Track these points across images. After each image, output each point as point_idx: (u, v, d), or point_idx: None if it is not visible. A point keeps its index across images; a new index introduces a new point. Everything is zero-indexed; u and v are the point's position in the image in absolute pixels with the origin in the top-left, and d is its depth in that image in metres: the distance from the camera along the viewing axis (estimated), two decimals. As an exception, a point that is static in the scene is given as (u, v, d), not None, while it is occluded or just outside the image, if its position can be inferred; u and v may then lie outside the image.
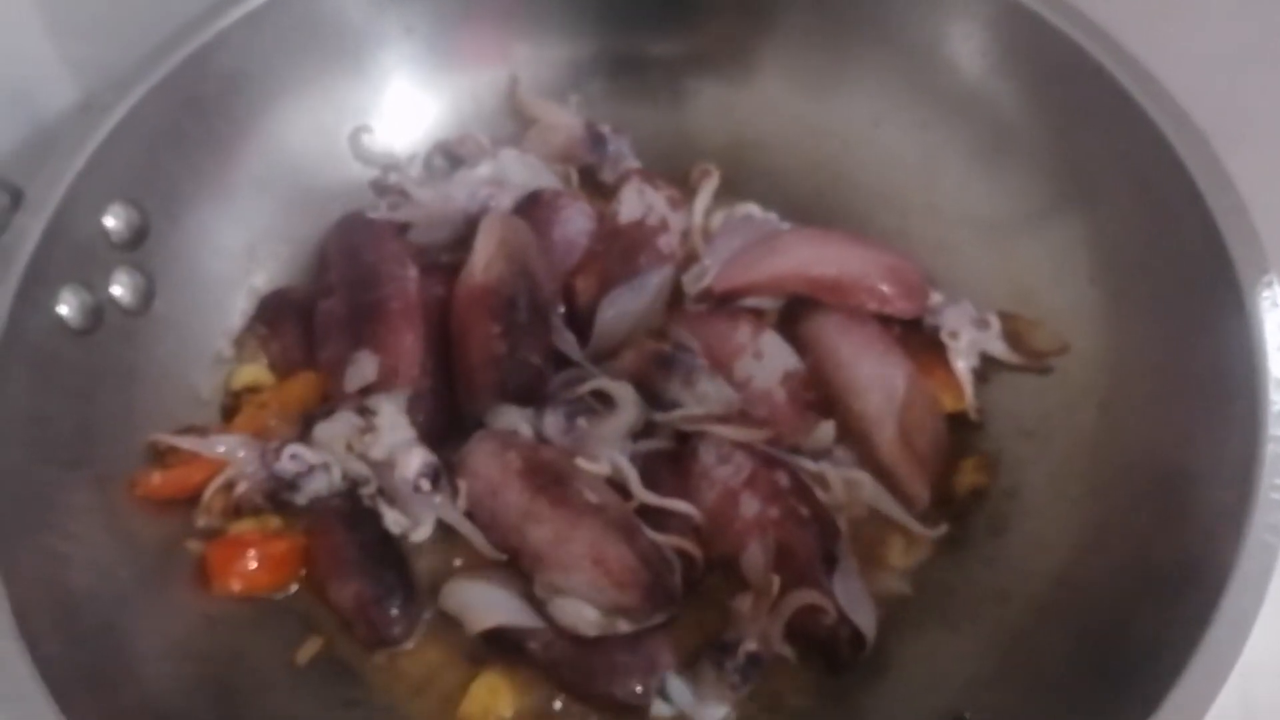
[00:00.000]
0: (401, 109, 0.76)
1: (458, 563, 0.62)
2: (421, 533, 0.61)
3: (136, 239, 0.63)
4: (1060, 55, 0.64)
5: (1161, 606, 0.52)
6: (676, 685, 0.57)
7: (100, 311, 0.60)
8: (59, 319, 0.58)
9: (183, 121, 0.66)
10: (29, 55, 0.73)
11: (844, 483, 0.62)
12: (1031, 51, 0.66)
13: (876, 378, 0.65)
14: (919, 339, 0.67)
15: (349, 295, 0.66)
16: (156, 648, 0.55)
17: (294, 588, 0.61)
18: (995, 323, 0.66)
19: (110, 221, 0.62)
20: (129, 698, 0.52)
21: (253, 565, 0.60)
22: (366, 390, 0.63)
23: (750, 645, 0.57)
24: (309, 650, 0.59)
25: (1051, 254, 0.67)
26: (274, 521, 0.62)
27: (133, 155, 0.62)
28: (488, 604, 0.58)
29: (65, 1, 0.73)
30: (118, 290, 0.62)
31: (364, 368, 0.63)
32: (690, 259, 0.72)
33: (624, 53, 0.77)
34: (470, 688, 0.57)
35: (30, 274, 0.56)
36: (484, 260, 0.65)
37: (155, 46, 0.64)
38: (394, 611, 0.59)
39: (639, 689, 0.57)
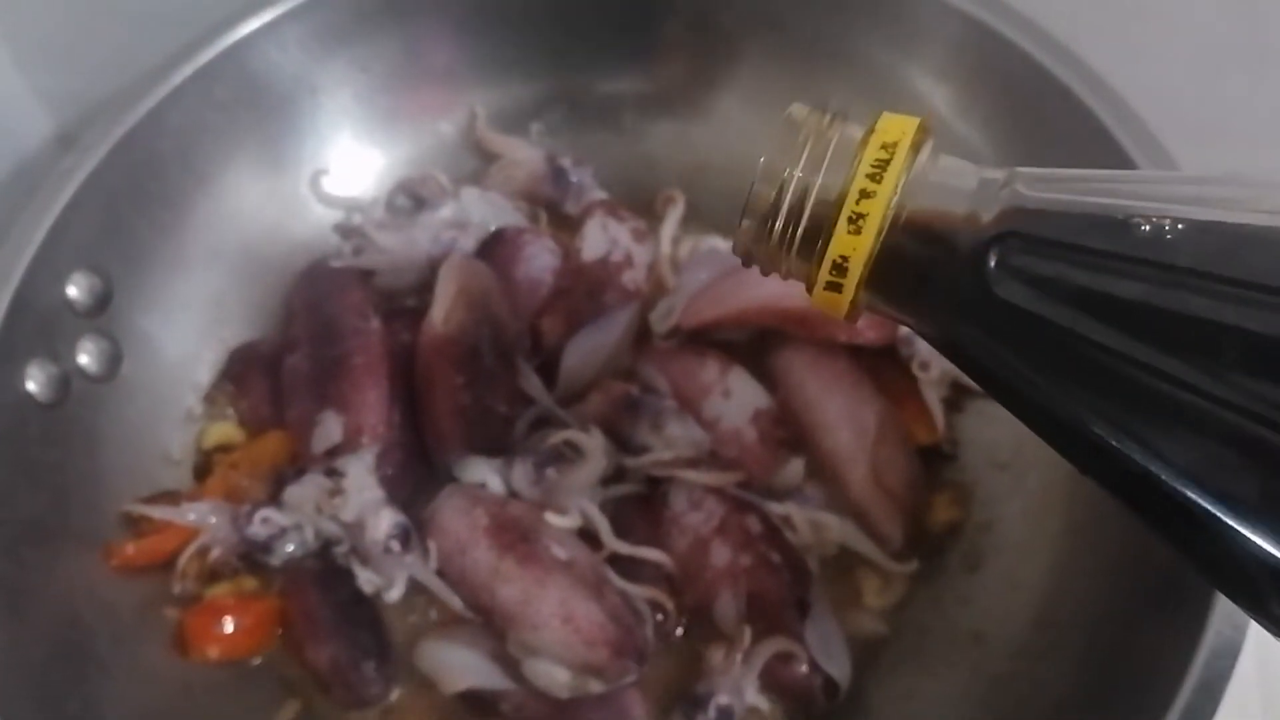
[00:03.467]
0: (360, 149, 0.75)
1: (433, 616, 0.62)
2: (394, 593, 0.61)
3: (100, 305, 0.63)
4: (1025, 77, 0.62)
5: (1145, 638, 0.51)
6: (650, 739, 0.58)
7: (68, 382, 0.60)
8: (27, 396, 0.58)
9: (142, 181, 0.65)
10: (0, 90, 0.73)
11: (811, 524, 0.62)
12: (996, 73, 0.64)
13: (846, 414, 0.64)
14: (890, 369, 0.66)
15: (312, 350, 0.66)
16: (134, 718, 0.56)
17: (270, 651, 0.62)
18: (967, 351, 0.65)
19: (73, 290, 0.61)
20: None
21: (229, 630, 0.60)
22: (334, 451, 0.62)
23: (722, 699, 0.57)
24: (288, 713, 0.60)
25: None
26: (250, 583, 0.62)
27: (93, 220, 0.62)
28: (460, 666, 0.58)
29: (34, 33, 0.72)
30: (84, 359, 0.62)
31: (329, 429, 0.62)
32: (658, 291, 0.71)
33: (580, 89, 0.75)
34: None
35: (-5, 355, 0.56)
36: (444, 310, 0.65)
37: (109, 106, 0.64)
38: (370, 672, 0.60)
39: (612, 750, 0.57)
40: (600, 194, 0.74)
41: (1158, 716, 0.46)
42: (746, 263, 0.34)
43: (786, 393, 0.66)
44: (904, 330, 0.66)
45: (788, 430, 0.65)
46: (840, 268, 0.30)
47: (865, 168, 0.30)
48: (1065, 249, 0.29)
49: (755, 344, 0.68)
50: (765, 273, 0.34)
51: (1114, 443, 0.28)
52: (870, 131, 0.30)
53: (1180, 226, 0.28)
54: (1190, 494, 0.27)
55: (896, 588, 0.62)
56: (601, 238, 0.70)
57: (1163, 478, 0.27)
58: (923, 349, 0.65)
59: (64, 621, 0.57)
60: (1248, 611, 0.31)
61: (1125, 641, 0.53)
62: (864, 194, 0.30)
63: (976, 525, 0.63)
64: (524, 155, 0.74)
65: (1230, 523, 0.27)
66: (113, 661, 0.57)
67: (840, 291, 0.31)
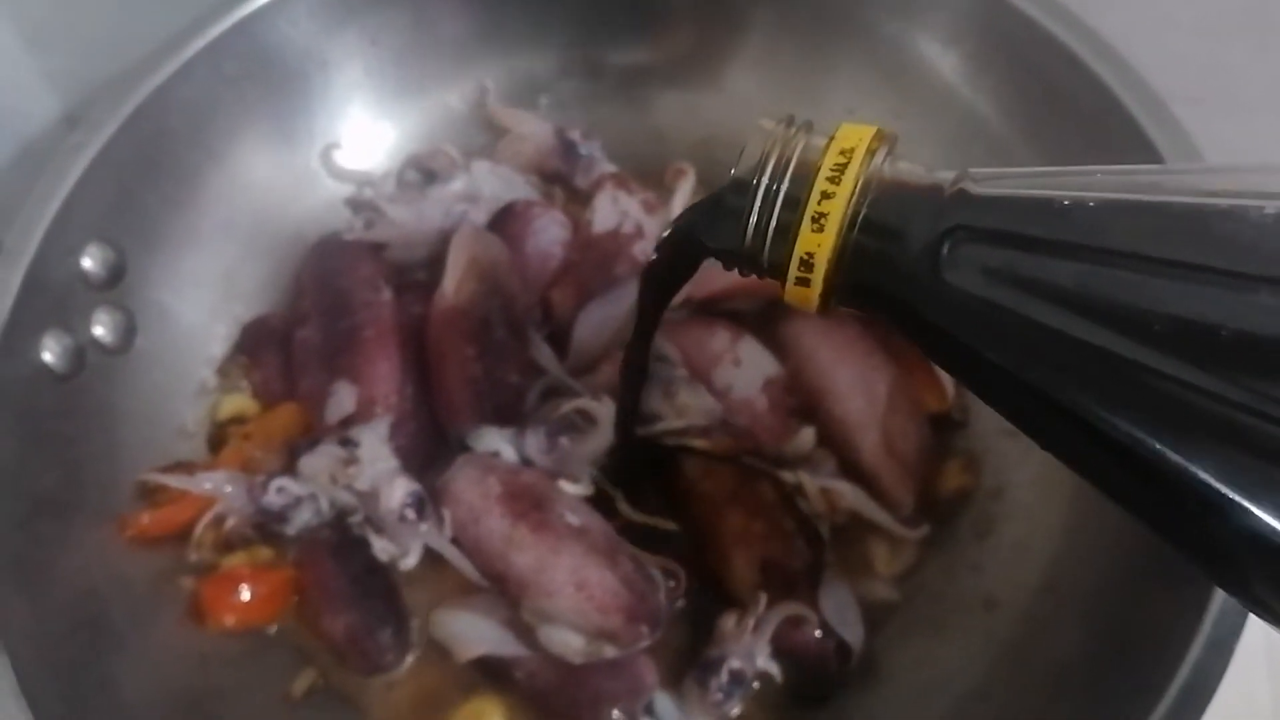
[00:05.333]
0: (371, 123, 0.75)
1: (448, 586, 0.63)
2: (409, 560, 0.61)
3: (114, 277, 0.63)
4: (1033, 44, 0.62)
5: (1154, 601, 0.51)
6: (663, 702, 0.58)
7: (83, 354, 0.61)
8: (43, 366, 0.58)
9: (153, 155, 0.65)
10: (8, 72, 0.73)
11: (822, 492, 0.62)
12: (1004, 40, 0.64)
13: (857, 381, 0.64)
14: (901, 338, 0.66)
15: (324, 323, 0.66)
16: (153, 691, 0.56)
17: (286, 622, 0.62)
18: (977, 320, 0.65)
19: (87, 262, 0.62)
20: (128, 745, 0.54)
21: (246, 598, 0.61)
22: (347, 421, 0.63)
23: (734, 663, 0.57)
24: (304, 682, 0.60)
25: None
26: (264, 553, 0.63)
27: (105, 195, 0.62)
28: (474, 633, 0.59)
29: (42, 15, 0.73)
30: (99, 331, 0.62)
31: (342, 400, 0.63)
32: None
33: (590, 61, 0.76)
34: (455, 715, 0.58)
35: (12, 325, 0.56)
36: (455, 282, 0.65)
37: (119, 81, 0.64)
38: (385, 640, 0.60)
39: (625, 715, 0.57)
40: (610, 167, 0.74)
41: (1168, 674, 0.47)
42: (727, 266, 0.38)
43: (797, 361, 0.66)
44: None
45: (798, 398, 0.65)
46: (807, 264, 0.34)
47: (825, 171, 0.33)
48: (1007, 237, 0.31)
49: (765, 314, 0.68)
50: (743, 275, 0.38)
51: (1072, 417, 0.30)
52: (830, 140, 0.34)
53: (1107, 209, 0.30)
54: (1138, 458, 0.28)
55: (908, 554, 0.63)
56: (612, 210, 0.70)
57: (1108, 444, 0.29)
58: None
59: (80, 593, 0.57)
60: (1224, 588, 0.32)
61: (1135, 603, 0.53)
62: (824, 195, 0.33)
63: (987, 492, 0.64)
64: (533, 129, 0.74)
65: (1180, 486, 0.28)
66: (129, 632, 0.58)
67: (809, 286, 0.34)
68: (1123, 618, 0.53)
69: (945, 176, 0.33)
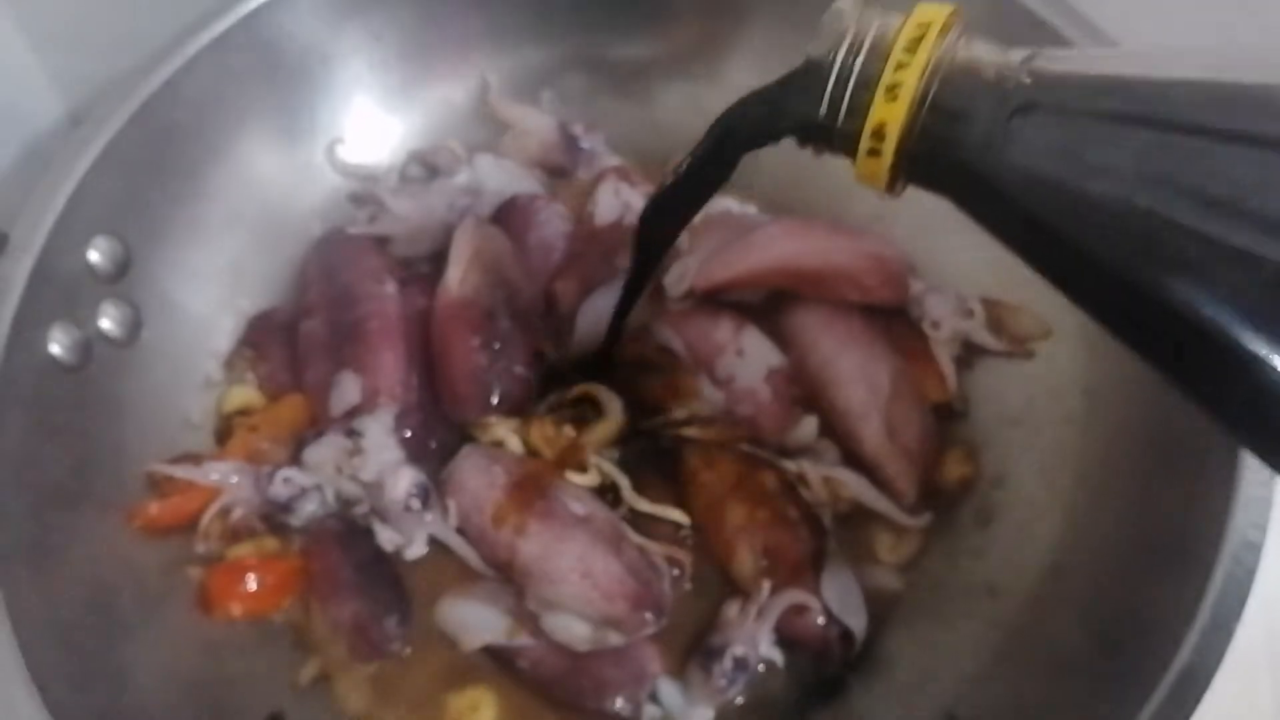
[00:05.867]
0: (375, 118, 0.76)
1: (452, 575, 0.63)
2: (415, 550, 0.62)
3: (120, 271, 0.64)
4: (1028, 33, 0.62)
5: (1155, 583, 0.52)
6: (667, 689, 0.58)
7: (90, 346, 0.61)
8: (51, 358, 0.59)
9: (158, 150, 0.66)
10: (13, 72, 0.73)
11: (825, 481, 0.62)
12: (999, 29, 0.64)
13: (860, 371, 0.64)
14: (902, 329, 0.67)
15: (329, 315, 0.67)
16: (159, 680, 0.56)
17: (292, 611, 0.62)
18: (979, 310, 0.65)
19: (94, 256, 0.62)
20: (137, 732, 0.54)
21: (252, 588, 0.61)
22: (352, 412, 0.63)
23: (738, 650, 0.57)
24: (310, 670, 0.60)
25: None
26: (271, 543, 0.63)
27: (112, 189, 0.62)
28: (477, 623, 0.59)
29: (48, 16, 0.73)
30: (106, 323, 0.63)
31: (347, 391, 0.63)
32: (672, 254, 0.71)
33: (593, 54, 0.76)
34: (449, 702, 0.59)
35: (20, 316, 0.56)
36: (459, 273, 0.66)
37: (126, 77, 0.64)
38: (391, 628, 0.60)
39: (629, 703, 0.57)
40: (612, 160, 0.75)
41: (1170, 655, 0.47)
42: (802, 143, 0.39)
43: (800, 351, 0.66)
44: (915, 291, 0.67)
45: (801, 388, 0.66)
46: (879, 134, 0.34)
47: (902, 42, 0.34)
48: (1077, 112, 0.32)
49: (768, 305, 0.69)
50: (818, 153, 0.38)
51: (1131, 285, 0.31)
52: (907, 16, 0.35)
53: (1172, 85, 0.31)
54: (1192, 323, 0.29)
55: (911, 543, 0.63)
56: (614, 202, 0.71)
57: (1174, 315, 0.30)
58: (934, 309, 0.66)
59: (90, 582, 0.57)
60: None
61: (1135, 587, 0.53)
62: (899, 65, 0.34)
63: (989, 480, 0.64)
64: (536, 123, 0.75)
65: (1245, 351, 0.28)
66: (138, 621, 0.58)
67: (879, 156, 0.35)
68: (1123, 601, 0.53)
69: (1017, 55, 0.34)
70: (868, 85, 0.34)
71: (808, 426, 0.64)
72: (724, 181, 0.47)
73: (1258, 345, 0.28)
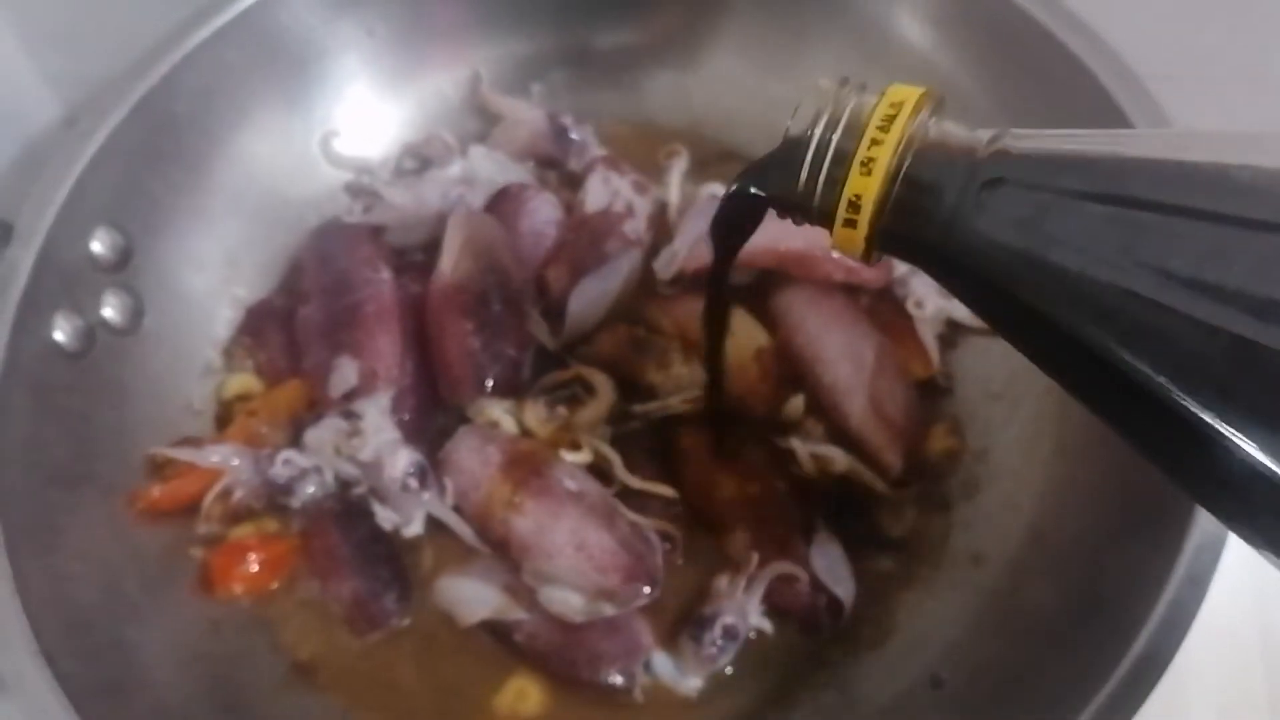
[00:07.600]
0: (368, 111, 0.77)
1: (450, 552, 0.64)
2: (413, 529, 0.63)
3: (122, 260, 0.65)
4: (1009, 21, 0.64)
5: (1132, 545, 0.53)
6: (661, 661, 0.60)
7: (92, 333, 0.62)
8: (55, 345, 0.60)
9: (158, 142, 0.67)
10: (9, 74, 0.75)
11: (813, 457, 0.64)
12: (981, 18, 0.66)
13: (845, 349, 0.66)
14: (887, 308, 0.68)
15: (325, 302, 0.68)
16: (165, 655, 0.58)
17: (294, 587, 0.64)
18: (959, 289, 0.67)
19: (96, 246, 0.64)
20: (143, 706, 0.55)
21: (254, 568, 0.63)
22: (350, 395, 0.65)
23: (728, 619, 0.59)
24: (312, 648, 0.61)
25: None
26: (271, 524, 0.65)
27: (113, 180, 0.64)
28: (474, 599, 0.60)
29: (42, 17, 0.74)
30: (108, 312, 0.64)
31: (345, 374, 0.65)
32: (662, 239, 0.73)
33: (581, 45, 0.78)
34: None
35: (25, 304, 0.58)
36: (452, 260, 0.67)
37: (126, 70, 0.66)
38: (390, 604, 0.62)
39: (623, 675, 0.59)
40: (601, 150, 0.76)
41: (1147, 610, 0.49)
42: (781, 214, 0.41)
43: (787, 331, 0.68)
44: (899, 271, 0.69)
45: (789, 367, 0.67)
46: (854, 205, 0.37)
47: (876, 120, 0.36)
48: (1041, 188, 0.34)
49: (756, 286, 0.70)
50: (796, 223, 0.40)
51: (1093, 355, 0.32)
52: (881, 95, 0.37)
53: (1132, 163, 0.33)
54: (1153, 396, 0.30)
55: (904, 517, 0.64)
56: (603, 190, 0.72)
57: (1126, 383, 0.31)
58: (917, 288, 0.68)
59: (96, 561, 0.59)
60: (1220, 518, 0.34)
61: (1113, 549, 0.54)
62: (874, 142, 0.36)
63: (973, 453, 0.66)
64: (526, 115, 0.76)
65: (1198, 422, 0.30)
66: (143, 600, 0.59)
67: (855, 228, 0.37)
68: (1102, 563, 0.55)
69: (984, 134, 0.36)
70: (844, 160, 0.36)
71: (795, 404, 0.66)
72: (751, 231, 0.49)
73: (1217, 414, 0.29)
